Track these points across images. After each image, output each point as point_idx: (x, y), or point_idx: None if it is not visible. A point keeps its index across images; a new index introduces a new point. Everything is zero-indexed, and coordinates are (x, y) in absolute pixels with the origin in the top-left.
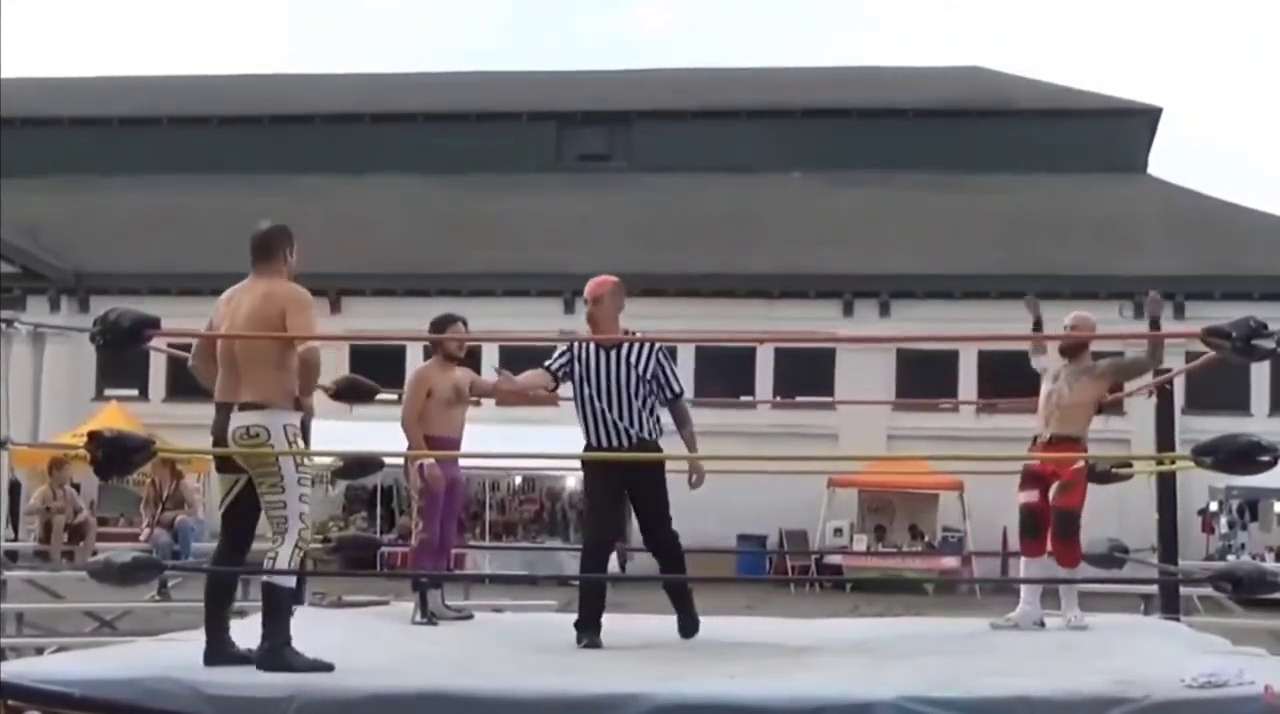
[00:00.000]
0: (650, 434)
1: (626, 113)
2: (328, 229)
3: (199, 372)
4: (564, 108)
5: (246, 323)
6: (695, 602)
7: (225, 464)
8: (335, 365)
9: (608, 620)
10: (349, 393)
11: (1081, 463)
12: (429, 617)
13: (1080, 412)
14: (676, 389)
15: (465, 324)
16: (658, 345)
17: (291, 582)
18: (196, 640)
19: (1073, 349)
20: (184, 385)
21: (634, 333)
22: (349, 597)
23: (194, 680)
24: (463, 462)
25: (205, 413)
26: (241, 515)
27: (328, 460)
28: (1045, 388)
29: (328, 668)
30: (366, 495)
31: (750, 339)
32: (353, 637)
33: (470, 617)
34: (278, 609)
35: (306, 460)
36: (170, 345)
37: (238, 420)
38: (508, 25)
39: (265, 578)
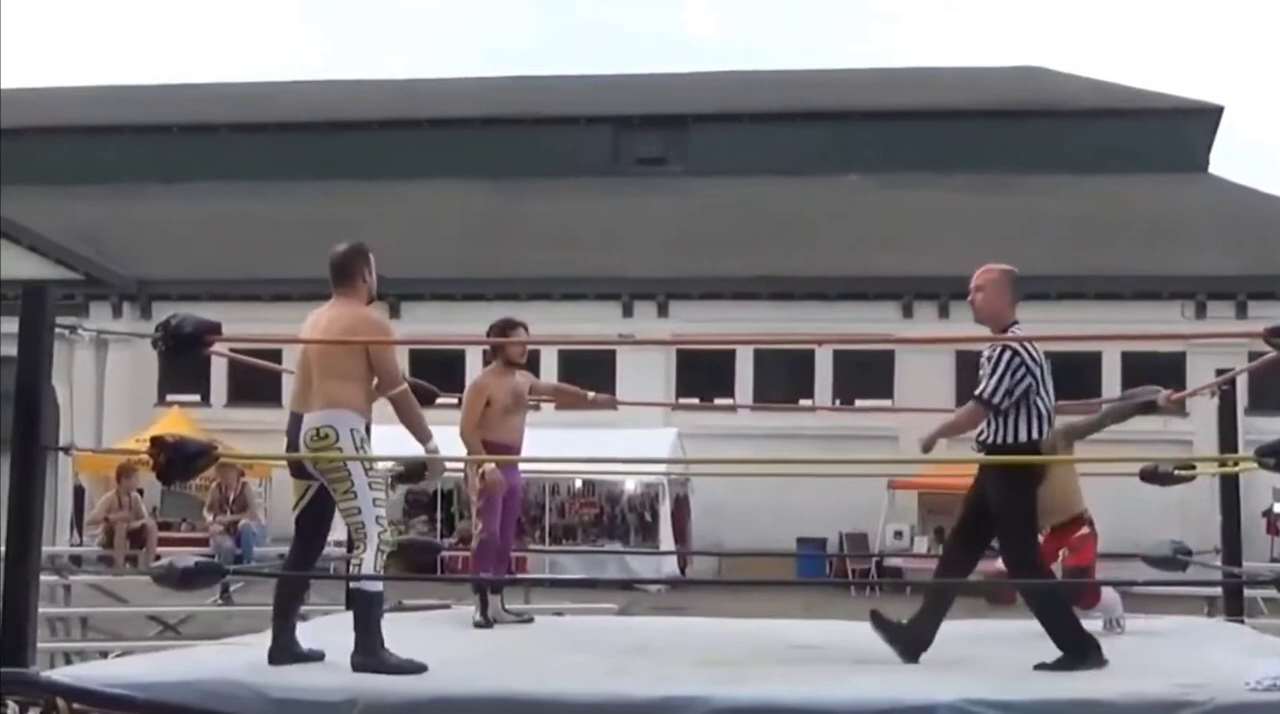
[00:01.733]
0: (993, 437)
1: (683, 116)
2: (386, 234)
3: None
4: (620, 111)
5: (320, 348)
6: (758, 604)
7: (300, 470)
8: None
9: (665, 623)
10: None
11: (1086, 529)
12: (487, 619)
13: (1068, 494)
14: (978, 392)
15: (526, 330)
16: (1009, 346)
17: (379, 586)
18: (259, 644)
19: None
20: (245, 390)
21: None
22: (409, 601)
23: (257, 683)
24: (522, 466)
25: (266, 418)
26: (314, 520)
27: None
28: None
29: (421, 669)
30: (427, 500)
31: (809, 340)
32: (413, 641)
33: (530, 620)
34: (367, 614)
35: (374, 467)
36: (232, 350)
37: (307, 423)
38: (555, 29)
39: (353, 584)
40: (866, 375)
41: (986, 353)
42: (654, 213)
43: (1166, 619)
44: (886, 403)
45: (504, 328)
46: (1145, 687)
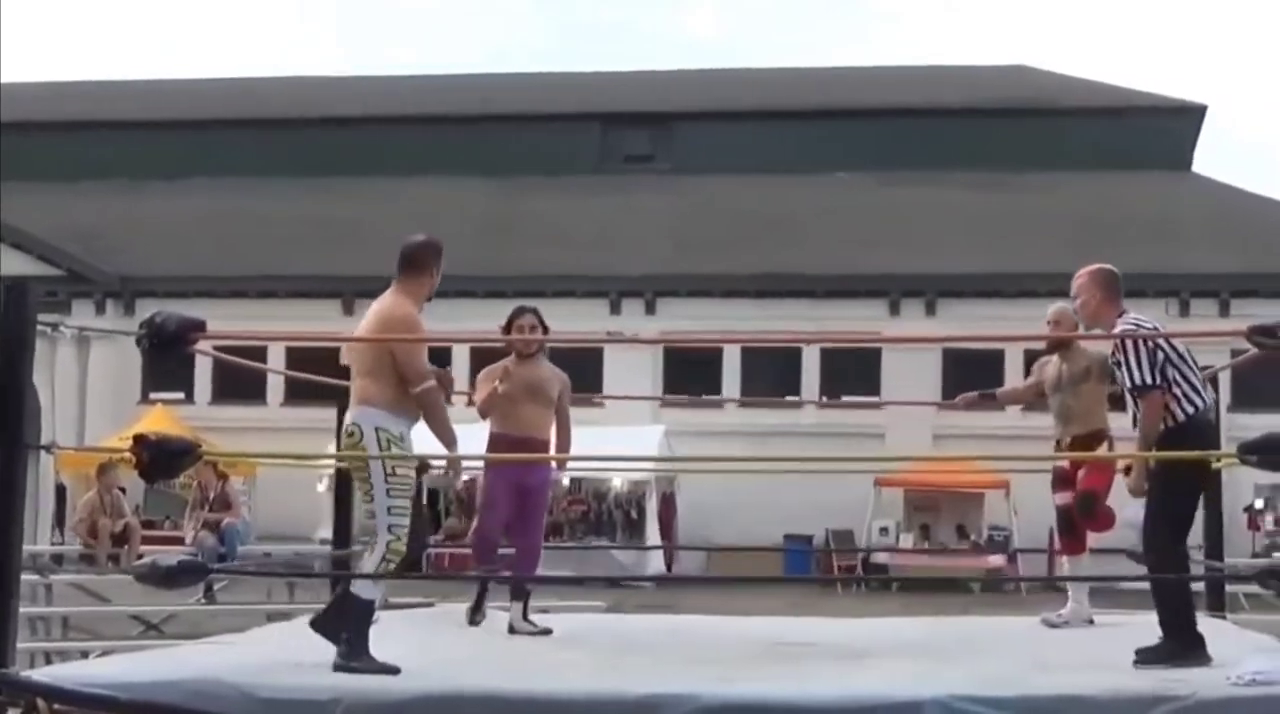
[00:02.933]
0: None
1: (670, 114)
2: (374, 231)
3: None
4: (608, 108)
5: (363, 334)
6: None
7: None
8: None
9: (652, 620)
10: None
11: (1106, 447)
12: (475, 618)
13: (1092, 412)
14: (1132, 386)
15: (539, 317)
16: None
17: (373, 593)
18: (243, 643)
19: (1059, 345)
20: (229, 388)
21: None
22: (395, 599)
23: (240, 683)
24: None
25: (250, 416)
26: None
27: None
28: (1051, 395)
29: (396, 671)
30: (413, 497)
31: (795, 340)
32: (399, 639)
33: (549, 632)
34: (356, 616)
35: (399, 472)
36: (217, 348)
37: (347, 419)
38: (561, 29)
39: (351, 586)
40: (853, 373)
41: (1113, 358)
42: (642, 210)
43: (1149, 614)
44: (873, 399)
45: (510, 317)
46: (1129, 682)
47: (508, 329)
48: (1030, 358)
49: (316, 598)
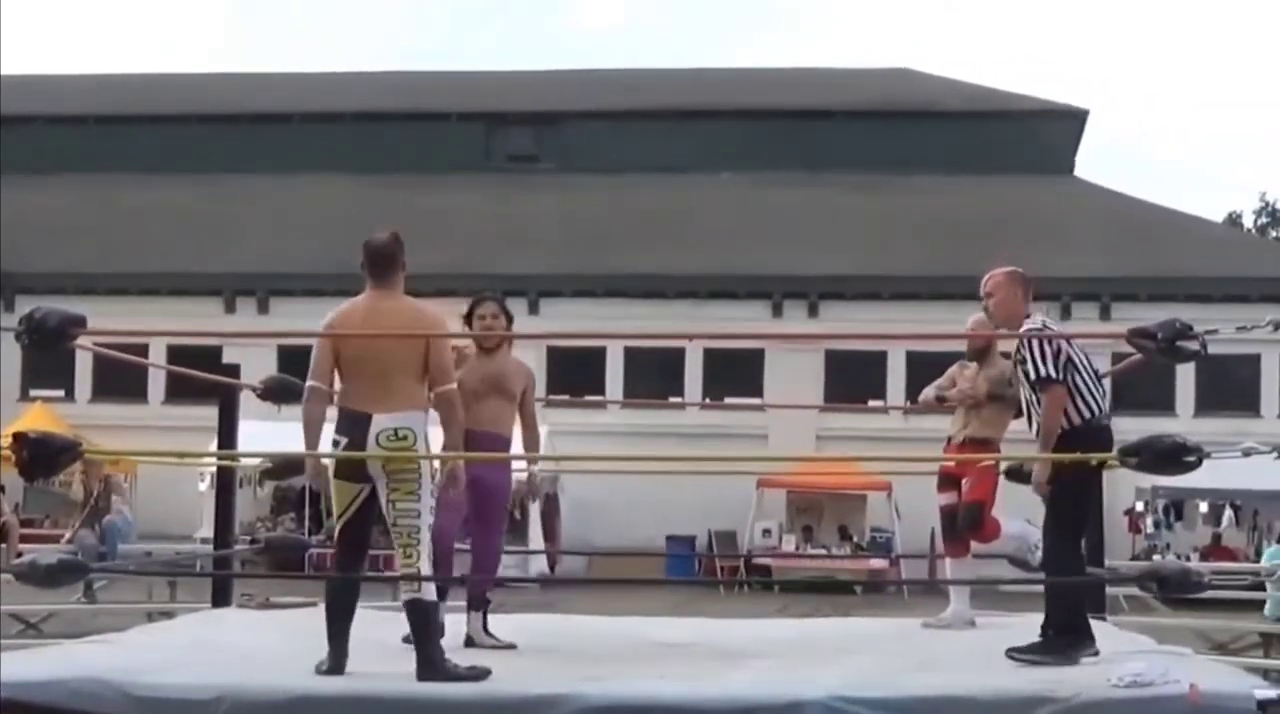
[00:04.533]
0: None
1: (556, 113)
2: (256, 229)
3: (318, 394)
4: (492, 108)
5: (397, 343)
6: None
7: (351, 471)
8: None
9: (534, 620)
10: (277, 393)
11: (991, 463)
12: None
13: (992, 421)
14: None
15: (503, 307)
16: (1031, 330)
17: (432, 593)
18: (123, 642)
19: (979, 352)
20: (110, 386)
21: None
22: (277, 598)
23: (121, 682)
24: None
25: (131, 414)
26: (363, 527)
27: (257, 462)
28: (960, 393)
29: (485, 674)
30: (295, 496)
31: (681, 338)
32: (281, 638)
33: (513, 647)
34: (427, 623)
35: (436, 477)
36: (97, 345)
37: (386, 422)
38: (462, 28)
39: (406, 595)
40: (736, 374)
41: (1018, 355)
42: (526, 210)
43: (1030, 617)
44: (756, 401)
45: (470, 306)
46: (1010, 683)
47: (469, 319)
48: (913, 360)
49: (197, 597)
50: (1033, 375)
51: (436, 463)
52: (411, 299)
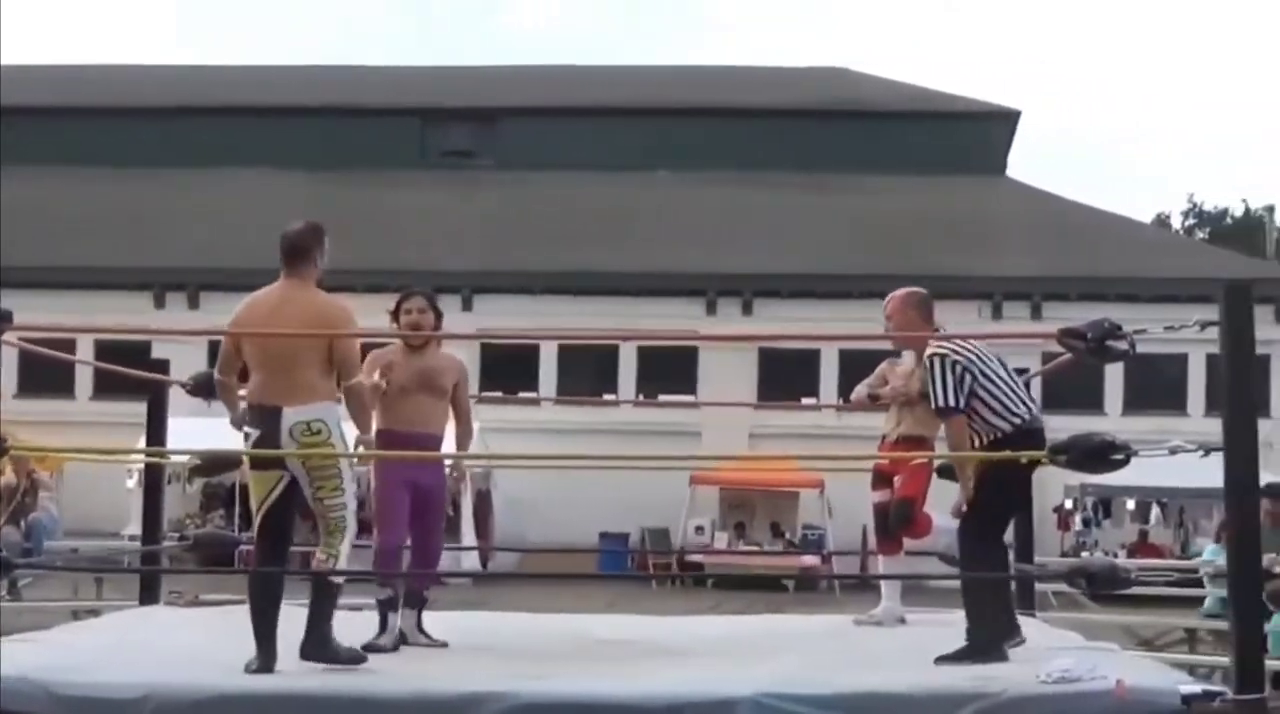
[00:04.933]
0: (980, 440)
1: (492, 109)
2: (186, 223)
3: (225, 386)
4: (428, 103)
5: (303, 331)
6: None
7: (271, 462)
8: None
9: (466, 617)
10: (207, 389)
11: (924, 460)
12: (386, 643)
13: (926, 421)
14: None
15: (433, 303)
16: (934, 355)
17: (340, 579)
18: (48, 641)
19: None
20: (36, 382)
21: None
22: (206, 596)
23: (46, 682)
24: (359, 465)
25: (58, 410)
26: (286, 516)
27: (186, 458)
28: (893, 390)
29: (362, 658)
30: (224, 493)
31: (614, 337)
32: (209, 636)
33: (445, 645)
34: (326, 603)
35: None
36: (23, 341)
37: (296, 416)
38: (399, 23)
39: (316, 566)
40: (670, 371)
41: (926, 372)
42: (461, 207)
43: (960, 613)
44: (689, 398)
45: (398, 301)
46: (941, 679)
47: (395, 315)
48: (846, 359)
49: (125, 595)
50: (936, 403)
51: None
52: (320, 293)
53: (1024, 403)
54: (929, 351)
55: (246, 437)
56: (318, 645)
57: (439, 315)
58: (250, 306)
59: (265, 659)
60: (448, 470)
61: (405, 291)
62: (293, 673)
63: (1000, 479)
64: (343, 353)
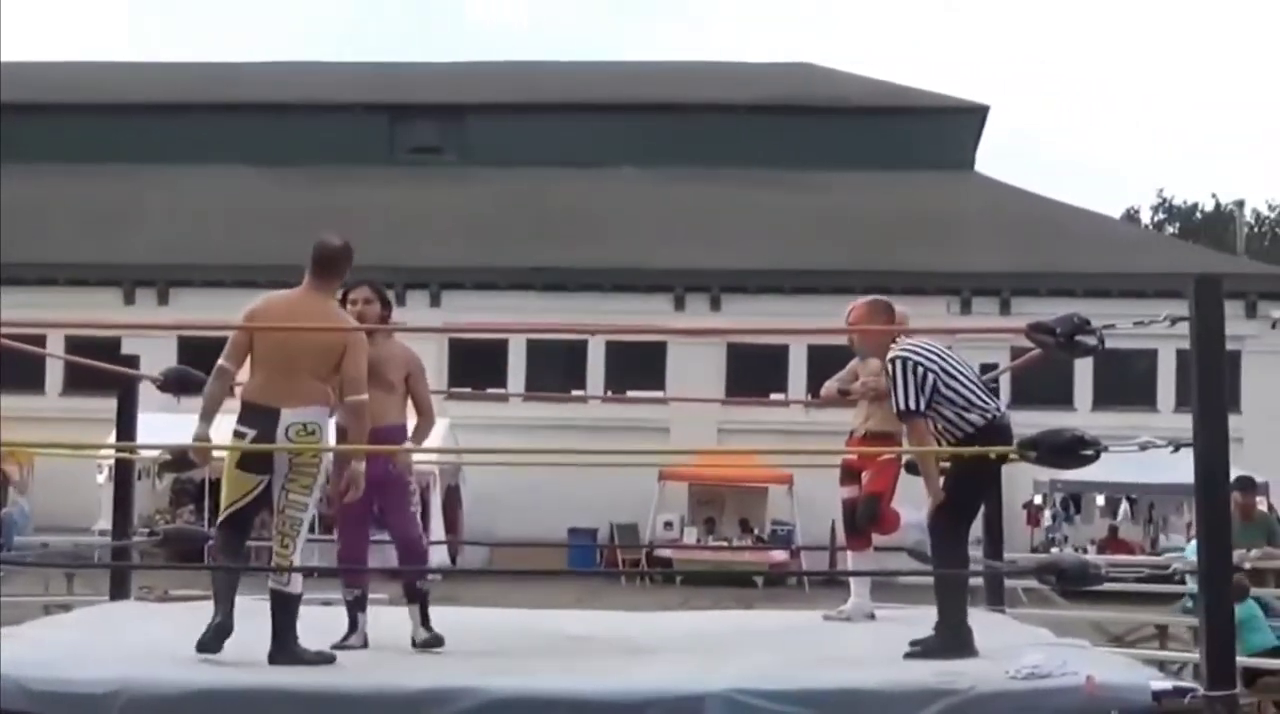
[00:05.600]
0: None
1: (459, 105)
2: (156, 219)
3: (226, 374)
4: (396, 99)
5: (312, 343)
6: (530, 594)
7: (255, 463)
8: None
9: (436, 613)
10: (177, 385)
11: (892, 454)
12: (432, 633)
13: (893, 417)
14: (899, 411)
15: (379, 294)
16: (896, 358)
17: (300, 586)
18: (19, 636)
19: (877, 347)
20: (5, 377)
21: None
22: (176, 591)
23: (17, 677)
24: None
25: (28, 405)
26: (253, 515)
27: (156, 454)
28: (863, 386)
29: (331, 659)
30: (194, 489)
31: (581, 330)
32: (180, 631)
33: (439, 642)
34: (286, 608)
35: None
36: None
37: (294, 417)
38: (365, 19)
39: (273, 583)
40: (638, 367)
41: (889, 381)
42: (429, 202)
43: (928, 609)
44: (658, 394)
45: (344, 291)
46: (910, 675)
47: (343, 305)
48: (815, 354)
49: (95, 590)
50: (896, 406)
51: (329, 461)
52: (336, 306)
53: (989, 399)
54: (890, 355)
55: (238, 435)
56: (284, 652)
57: (385, 305)
58: (268, 303)
59: (219, 630)
60: (423, 466)
61: (353, 282)
62: (265, 669)
63: (968, 475)
64: (351, 371)
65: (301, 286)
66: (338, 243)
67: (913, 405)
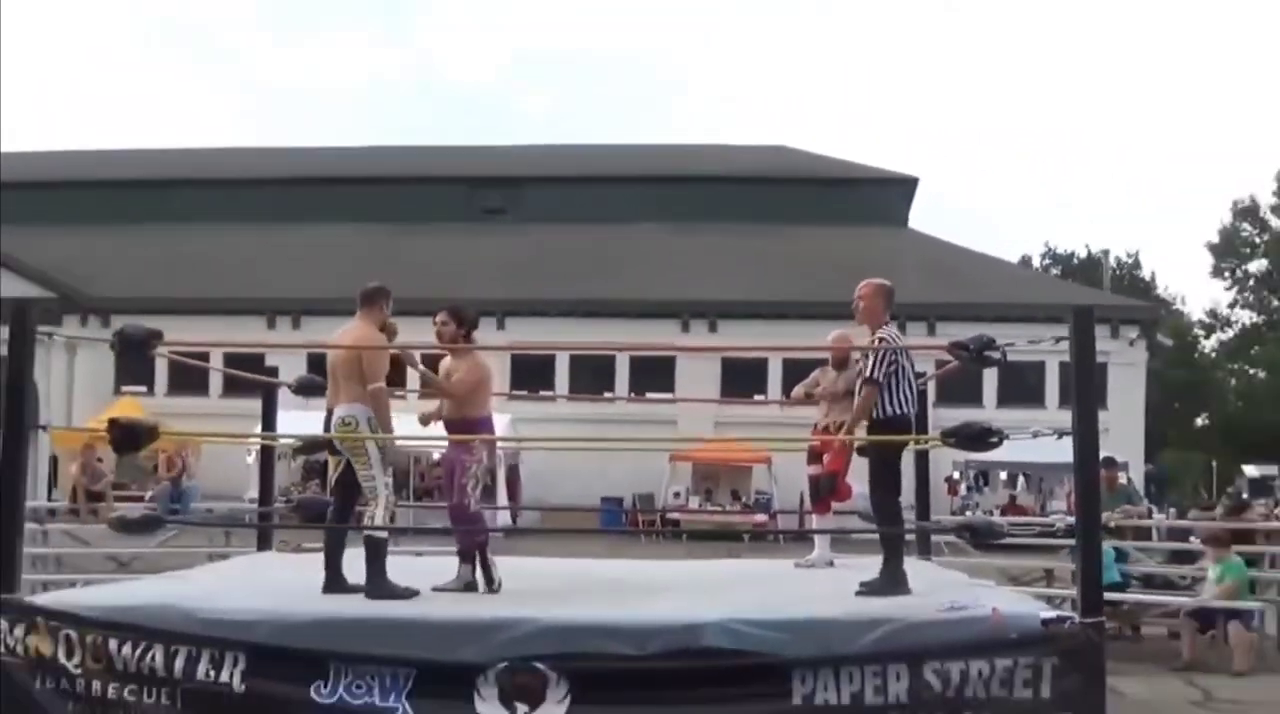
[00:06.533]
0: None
1: (519, 178)
2: (293, 265)
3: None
4: (471, 173)
5: (345, 353)
6: (572, 546)
7: (335, 448)
8: (297, 368)
9: (500, 561)
10: (306, 389)
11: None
12: (490, 579)
13: (851, 408)
14: (867, 376)
15: (452, 313)
16: (884, 338)
17: (385, 534)
18: (189, 578)
19: (840, 361)
20: (181, 384)
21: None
22: (306, 545)
23: (187, 607)
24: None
25: (197, 405)
26: (346, 486)
27: (291, 441)
28: (828, 393)
29: (415, 594)
30: (319, 467)
31: (611, 347)
32: (308, 575)
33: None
34: (375, 555)
35: (387, 448)
36: (172, 352)
37: (337, 413)
38: (423, 109)
39: (365, 533)
40: (654, 374)
41: (859, 357)
42: (495, 251)
43: (874, 558)
44: (669, 395)
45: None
46: (860, 608)
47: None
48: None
49: (246, 543)
50: (865, 371)
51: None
52: (366, 327)
53: (910, 398)
54: (880, 332)
55: (327, 428)
56: (374, 586)
57: (462, 324)
58: (339, 332)
59: (334, 583)
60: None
61: (435, 309)
62: (366, 602)
63: (890, 452)
64: (366, 366)
65: (355, 316)
66: (373, 284)
67: (874, 375)
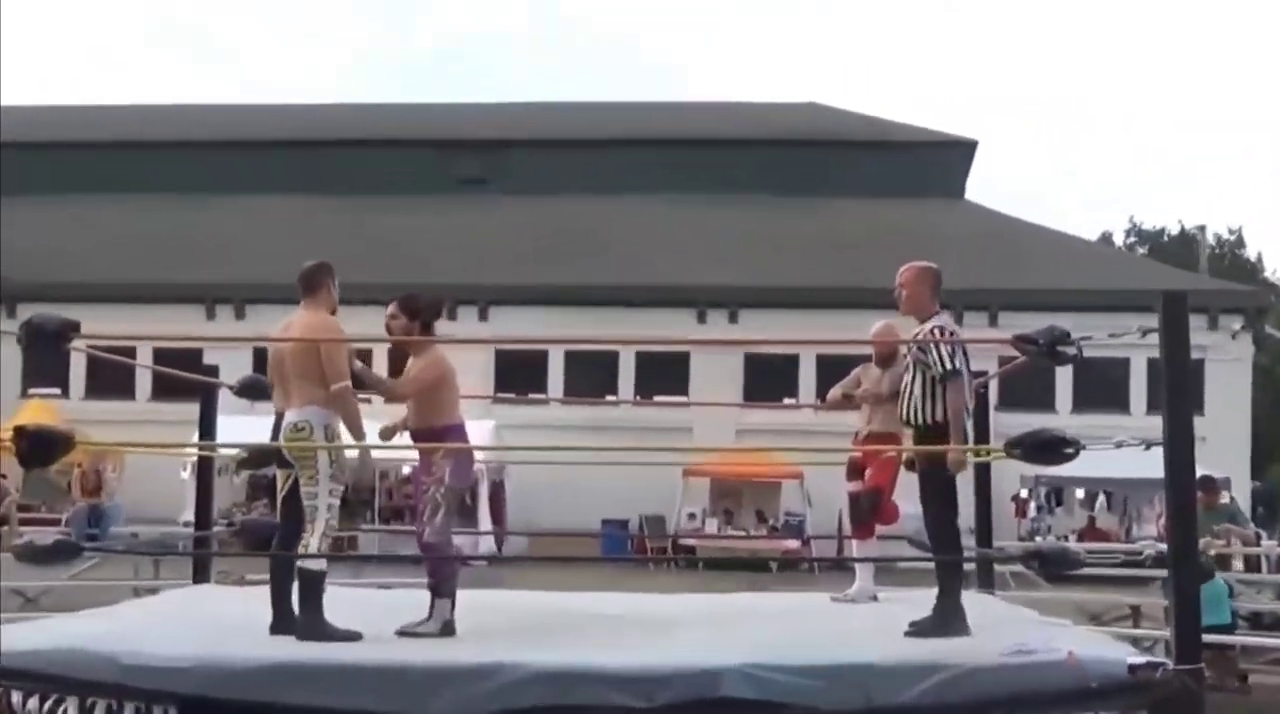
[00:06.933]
0: (920, 418)
1: (500, 141)
2: (233, 243)
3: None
4: (444, 136)
5: (295, 348)
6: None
7: (284, 460)
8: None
9: (483, 595)
10: (251, 390)
11: (894, 452)
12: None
13: (895, 417)
14: (940, 374)
15: (401, 306)
16: (936, 328)
17: (322, 565)
18: (112, 616)
19: (885, 358)
20: (102, 385)
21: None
22: (251, 576)
23: (110, 651)
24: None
25: (120, 409)
26: (297, 504)
27: (234, 453)
28: (866, 392)
29: (358, 637)
30: (268, 484)
31: (613, 341)
32: (253, 612)
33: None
34: (309, 590)
35: (338, 464)
36: (90, 347)
37: (287, 418)
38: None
39: (297, 562)
40: (664, 374)
41: (909, 352)
42: (475, 228)
43: (926, 591)
44: (682, 399)
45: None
46: (910, 652)
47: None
48: (823, 364)
49: (179, 574)
50: (938, 370)
51: (332, 454)
52: (316, 313)
53: (970, 400)
54: (935, 322)
55: (274, 437)
56: (306, 627)
57: (414, 316)
58: (278, 328)
59: (283, 621)
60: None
61: (387, 299)
62: (317, 648)
63: (941, 466)
64: (326, 362)
65: (299, 306)
66: (311, 264)
67: (953, 366)
